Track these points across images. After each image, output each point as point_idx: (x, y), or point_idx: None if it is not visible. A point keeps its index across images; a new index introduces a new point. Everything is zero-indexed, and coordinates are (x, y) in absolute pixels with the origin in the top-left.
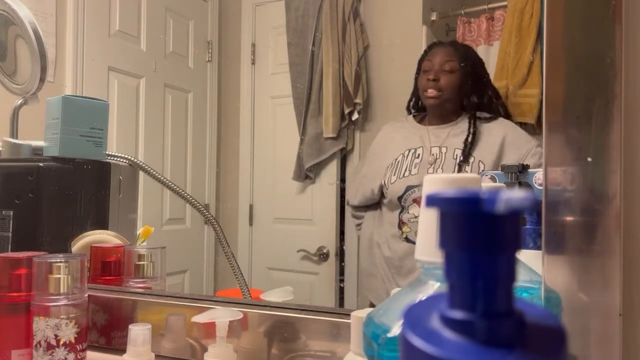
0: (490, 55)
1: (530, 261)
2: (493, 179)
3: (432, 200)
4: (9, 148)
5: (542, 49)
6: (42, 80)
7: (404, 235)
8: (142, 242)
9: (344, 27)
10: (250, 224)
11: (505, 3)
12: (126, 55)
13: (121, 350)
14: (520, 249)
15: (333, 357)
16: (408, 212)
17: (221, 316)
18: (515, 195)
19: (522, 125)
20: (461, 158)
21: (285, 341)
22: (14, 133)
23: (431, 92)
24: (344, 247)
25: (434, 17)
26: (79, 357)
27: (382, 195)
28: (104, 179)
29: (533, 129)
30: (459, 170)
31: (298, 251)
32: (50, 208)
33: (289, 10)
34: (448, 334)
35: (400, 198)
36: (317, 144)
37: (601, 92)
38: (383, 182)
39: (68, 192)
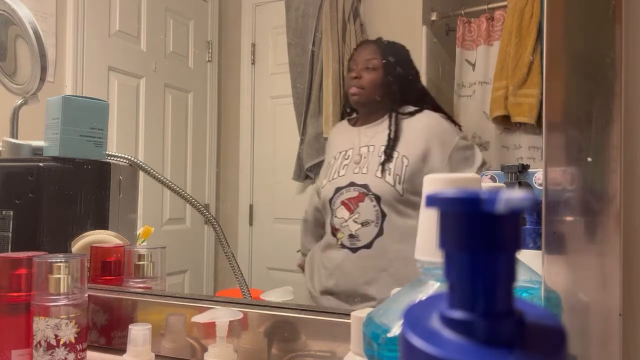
0: (490, 55)
1: (530, 261)
2: (493, 179)
3: (432, 200)
4: (9, 148)
5: (542, 49)
6: (42, 80)
7: (339, 242)
8: (142, 242)
9: (344, 27)
10: (250, 224)
11: (505, 3)
12: (126, 55)
13: (121, 350)
14: (520, 249)
15: (333, 357)
16: (337, 217)
17: (221, 316)
18: (515, 195)
19: (522, 125)
20: (384, 156)
21: (285, 341)
22: (14, 133)
23: (353, 89)
24: None
25: (434, 17)
26: (79, 357)
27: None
28: (104, 179)
29: (533, 129)
30: (383, 168)
31: (298, 251)
32: (50, 208)
33: (289, 11)
34: (448, 334)
35: (330, 201)
36: (317, 144)
37: (601, 92)
38: (318, 187)
39: (68, 192)
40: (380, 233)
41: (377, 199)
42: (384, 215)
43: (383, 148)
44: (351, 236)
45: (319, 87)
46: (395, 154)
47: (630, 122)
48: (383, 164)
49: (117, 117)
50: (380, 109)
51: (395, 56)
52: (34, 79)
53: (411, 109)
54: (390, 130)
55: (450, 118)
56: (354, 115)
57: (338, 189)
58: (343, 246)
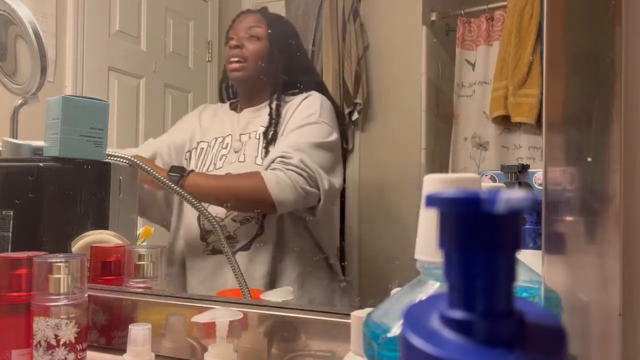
0: (490, 55)
1: (530, 261)
2: (493, 179)
3: (432, 200)
4: (9, 148)
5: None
6: (42, 80)
7: (210, 247)
8: (142, 242)
9: (344, 27)
10: None
11: (505, 3)
12: (126, 55)
13: (121, 350)
14: (520, 249)
15: (333, 357)
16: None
17: (221, 316)
18: (515, 195)
19: (522, 125)
20: (264, 140)
21: (285, 341)
22: (14, 133)
23: (234, 64)
24: (345, 247)
25: (434, 17)
26: (79, 357)
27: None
28: (104, 179)
29: (533, 129)
30: (266, 153)
31: None
32: (50, 208)
33: (289, 11)
34: (448, 334)
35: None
36: None
37: (601, 92)
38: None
39: (68, 192)
40: (260, 231)
41: None
42: None
43: (262, 130)
44: (229, 237)
45: None
46: (278, 138)
47: (630, 122)
48: (266, 149)
49: (117, 117)
50: (264, 90)
51: (281, 27)
52: (34, 79)
53: (296, 89)
54: (271, 108)
55: (335, 104)
56: (234, 100)
57: None
58: (215, 251)
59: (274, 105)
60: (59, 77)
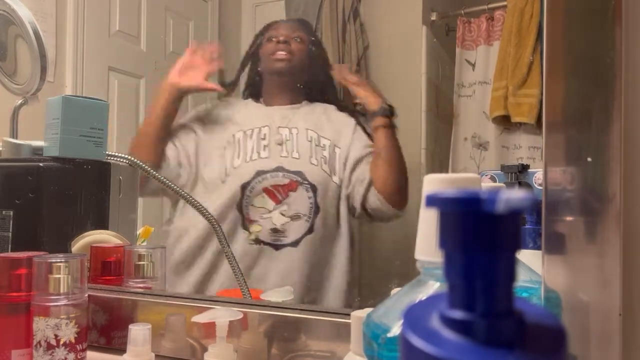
0: (490, 55)
1: (530, 261)
2: (493, 179)
3: (432, 200)
4: (9, 148)
5: (542, 49)
6: (42, 80)
7: (253, 237)
8: (142, 242)
9: (344, 27)
10: None
11: (505, 3)
12: (126, 55)
13: (121, 350)
14: (520, 249)
15: (333, 357)
16: (254, 205)
17: (221, 316)
18: (515, 195)
19: (522, 125)
20: (315, 142)
21: (285, 341)
22: (14, 133)
23: (281, 54)
24: None
25: (434, 17)
26: (79, 357)
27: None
28: (104, 179)
29: (533, 129)
30: (318, 155)
31: None
32: (50, 208)
33: (289, 11)
34: (448, 334)
35: (245, 186)
36: None
37: (601, 92)
38: (221, 167)
39: (68, 192)
40: (310, 230)
41: (314, 189)
42: (317, 210)
43: (312, 132)
44: (275, 231)
45: None
46: (327, 142)
47: (630, 122)
48: (317, 150)
49: (117, 117)
50: (298, 91)
51: (317, 38)
52: (34, 79)
53: (329, 98)
54: (317, 114)
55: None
56: (261, 98)
57: (260, 173)
58: (258, 242)
59: (320, 110)
60: (59, 77)
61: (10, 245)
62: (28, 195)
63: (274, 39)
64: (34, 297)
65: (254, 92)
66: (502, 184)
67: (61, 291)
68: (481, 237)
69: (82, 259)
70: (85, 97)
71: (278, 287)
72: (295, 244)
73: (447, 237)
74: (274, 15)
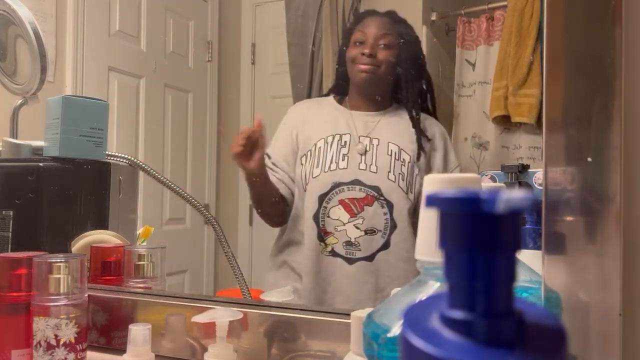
0: (490, 55)
1: (530, 261)
2: (493, 179)
3: (432, 200)
4: (9, 148)
5: (542, 49)
6: (42, 80)
7: (329, 248)
8: (142, 242)
9: (344, 27)
10: (250, 224)
11: (505, 3)
12: (126, 55)
13: (121, 350)
14: (520, 249)
15: (333, 357)
16: (330, 217)
17: (221, 316)
18: (515, 195)
19: (522, 125)
20: (394, 157)
21: (285, 341)
22: (14, 133)
23: (365, 66)
24: None
25: (434, 17)
26: (79, 357)
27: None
28: (104, 179)
29: (533, 129)
30: (395, 170)
31: None
32: (50, 208)
33: (289, 11)
34: (448, 334)
35: (322, 197)
36: None
37: (601, 92)
38: (303, 175)
39: (68, 192)
40: (386, 246)
41: (390, 206)
42: (394, 226)
43: (393, 146)
44: (349, 244)
45: (319, 87)
46: (407, 157)
47: (630, 122)
48: (396, 165)
49: (117, 117)
50: (385, 96)
51: (410, 36)
52: (34, 79)
53: (418, 107)
54: (402, 126)
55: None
56: (345, 100)
57: (338, 184)
58: (334, 254)
59: (412, 124)
60: (59, 77)
61: (10, 245)
62: (28, 195)
63: (358, 45)
64: (34, 297)
65: (340, 91)
66: (502, 184)
67: (61, 291)
68: (481, 237)
69: (82, 259)
70: (85, 97)
71: (349, 302)
72: (370, 258)
73: (447, 237)
74: (274, 15)
